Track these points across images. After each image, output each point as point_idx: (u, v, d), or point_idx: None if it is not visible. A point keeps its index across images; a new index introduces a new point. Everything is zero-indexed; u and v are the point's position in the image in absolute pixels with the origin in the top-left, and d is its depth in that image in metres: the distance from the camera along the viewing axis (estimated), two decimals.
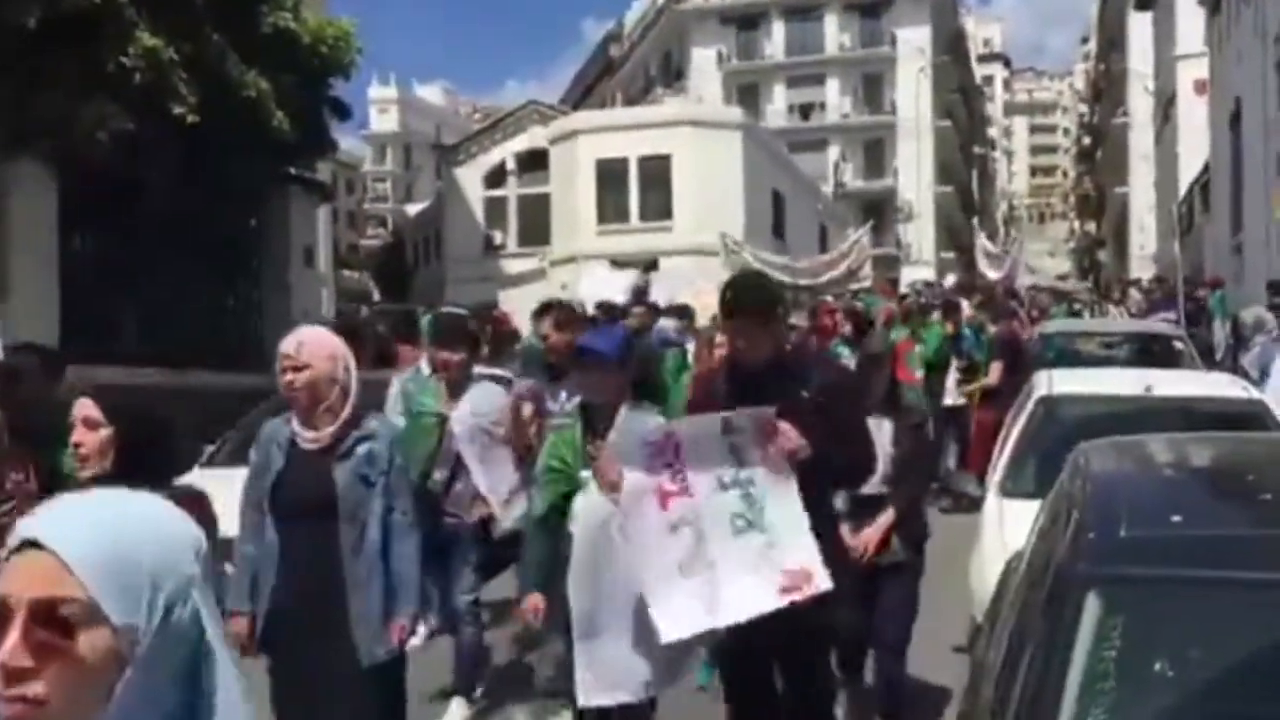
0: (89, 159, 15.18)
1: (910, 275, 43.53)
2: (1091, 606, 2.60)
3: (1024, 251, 23.24)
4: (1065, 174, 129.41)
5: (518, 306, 26.26)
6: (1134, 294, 22.12)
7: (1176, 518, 3.00)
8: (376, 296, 46.11)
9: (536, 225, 38.65)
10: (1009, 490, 6.76)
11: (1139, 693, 2.47)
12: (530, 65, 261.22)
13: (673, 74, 56.15)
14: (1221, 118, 30.37)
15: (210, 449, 9.06)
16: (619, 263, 31.84)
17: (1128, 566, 2.72)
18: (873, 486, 5.35)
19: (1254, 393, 7.71)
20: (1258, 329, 11.82)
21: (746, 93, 54.14)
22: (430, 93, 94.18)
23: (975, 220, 45.02)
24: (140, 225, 17.80)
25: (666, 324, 11.92)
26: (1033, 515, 6.22)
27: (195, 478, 8.40)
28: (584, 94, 64.92)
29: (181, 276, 18.45)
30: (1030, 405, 7.39)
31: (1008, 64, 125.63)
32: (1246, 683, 2.55)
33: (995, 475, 6.97)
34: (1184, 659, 2.53)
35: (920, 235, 55.25)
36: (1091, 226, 74.11)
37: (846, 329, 11.39)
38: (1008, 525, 6.27)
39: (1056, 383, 7.67)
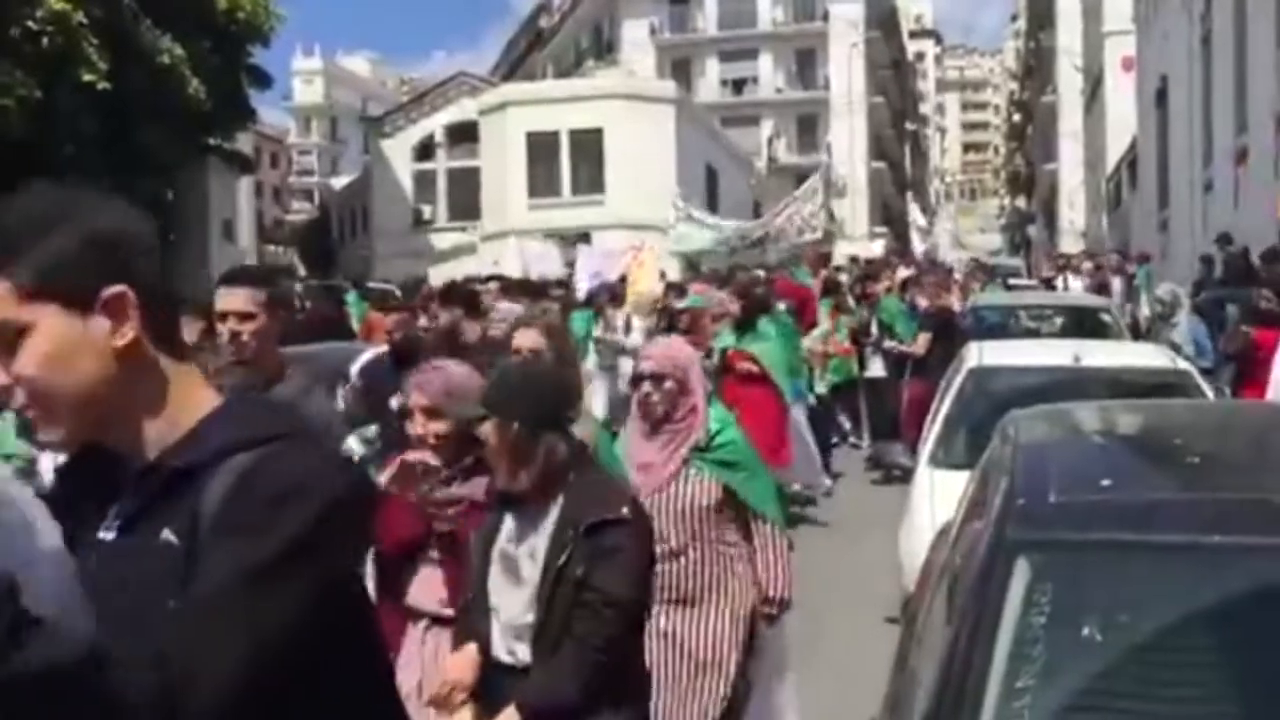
0: None
1: (844, 250, 43.62)
2: (1021, 572, 2.49)
3: (952, 223, 23.15)
4: (996, 150, 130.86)
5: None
6: (1087, 266, 22.15)
7: (1105, 482, 2.88)
8: (302, 272, 45.36)
9: (467, 199, 38.30)
10: (939, 461, 6.75)
11: (1068, 658, 2.38)
12: (458, 37, 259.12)
13: (604, 47, 55.74)
14: (1148, 95, 30.67)
15: None
16: (551, 237, 31.65)
17: (1057, 531, 2.61)
18: None
19: (1180, 362, 7.71)
20: (1176, 304, 11.96)
21: (679, 67, 53.90)
22: (355, 64, 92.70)
23: (909, 195, 45.32)
24: None
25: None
26: (963, 486, 6.30)
27: None
28: (514, 66, 64.29)
29: None
30: (960, 377, 7.35)
31: (939, 40, 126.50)
32: (1174, 648, 2.48)
33: (926, 446, 6.90)
34: (1113, 624, 2.43)
35: (854, 210, 55.47)
36: (1022, 202, 74.98)
37: (734, 308, 9.83)
38: (938, 496, 6.24)
39: (986, 354, 7.68)
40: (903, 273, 17.49)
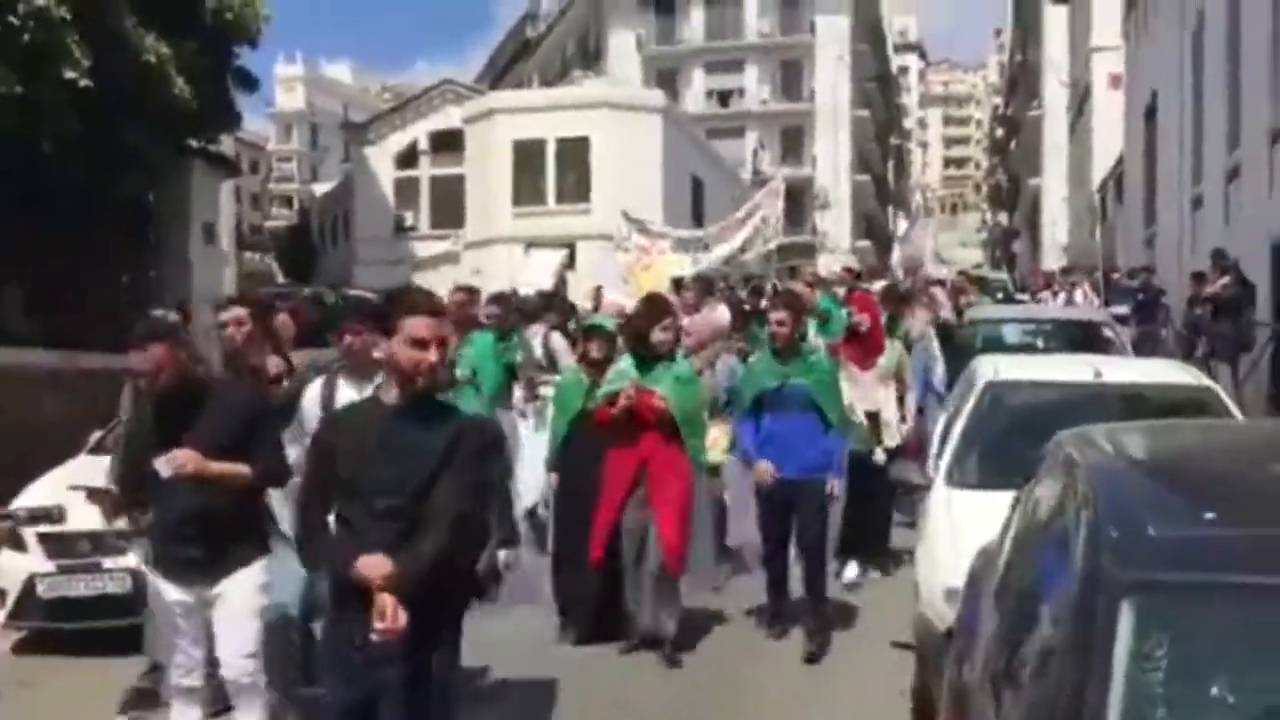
0: None
1: (826, 264, 43.44)
2: (1128, 618, 2.19)
3: (929, 234, 22.44)
4: (978, 166, 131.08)
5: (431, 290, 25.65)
6: (1095, 278, 21.56)
7: (1208, 515, 2.58)
8: (281, 279, 44.89)
9: (450, 207, 37.90)
10: (957, 480, 6.43)
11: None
12: (440, 47, 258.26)
13: (590, 57, 55.49)
14: (1137, 110, 30.55)
15: (98, 434, 8.41)
16: (536, 246, 31.32)
17: (1168, 572, 2.31)
18: None
19: (1204, 379, 7.44)
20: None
21: (665, 78, 53.63)
22: (338, 71, 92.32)
23: (890, 209, 45.13)
24: (30, 195, 16.73)
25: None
26: (985, 506, 5.95)
27: (82, 464, 7.89)
28: (499, 76, 63.93)
29: (73, 251, 17.37)
30: (976, 392, 7.05)
31: (923, 55, 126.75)
32: None
33: (941, 464, 6.59)
34: (1247, 682, 2.11)
35: (837, 224, 55.36)
36: (1003, 218, 75.01)
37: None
38: (959, 517, 5.95)
39: (1002, 368, 7.34)
40: (879, 285, 16.94)
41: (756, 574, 7.77)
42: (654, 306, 7.24)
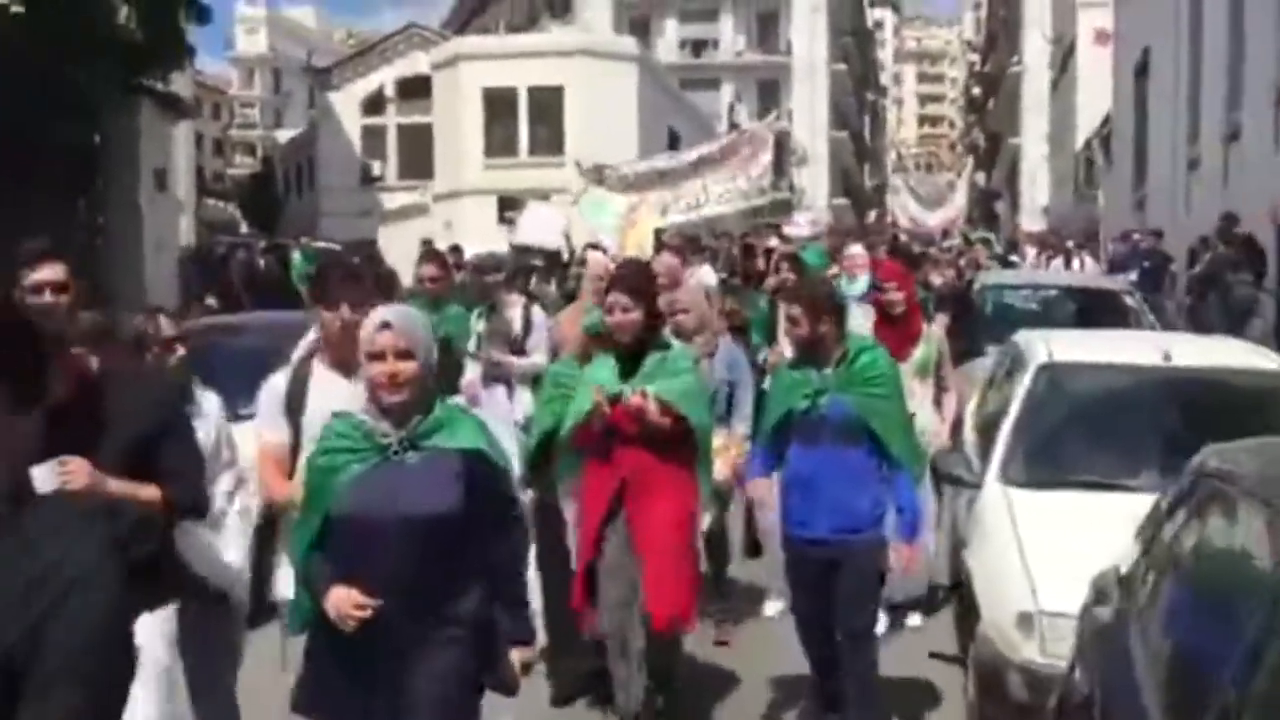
0: None
1: (802, 221, 42.57)
2: None
3: (914, 198, 21.53)
4: (952, 125, 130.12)
5: (397, 243, 24.55)
6: (1111, 246, 20.34)
7: None
8: (244, 229, 43.56)
9: (418, 157, 36.77)
10: (1013, 478, 5.57)
11: None
12: None
13: (560, 5, 54.04)
14: (1126, 67, 29.81)
15: None
16: (507, 200, 30.23)
17: None
18: None
19: None
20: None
21: (637, 26, 52.34)
22: (301, 14, 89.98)
23: (866, 167, 44.23)
24: None
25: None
26: (1052, 510, 5.15)
27: None
28: (466, 22, 62.30)
29: (10, 198, 15.90)
30: (1028, 376, 6.13)
31: (896, 9, 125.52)
32: None
33: (992, 459, 5.72)
34: None
35: (814, 180, 54.38)
36: (980, 177, 74.26)
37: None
38: (1023, 522, 5.14)
39: (1056, 348, 6.40)
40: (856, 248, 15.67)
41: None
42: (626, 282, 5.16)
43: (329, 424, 3.44)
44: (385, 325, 3.31)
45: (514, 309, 7.81)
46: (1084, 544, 4.52)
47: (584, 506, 5.13)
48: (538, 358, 7.26)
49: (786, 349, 6.38)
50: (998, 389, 6.84)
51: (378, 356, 3.29)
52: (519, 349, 7.55)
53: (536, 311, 7.84)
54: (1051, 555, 4.77)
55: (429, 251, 9.06)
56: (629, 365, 5.01)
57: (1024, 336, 6.91)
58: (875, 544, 4.86)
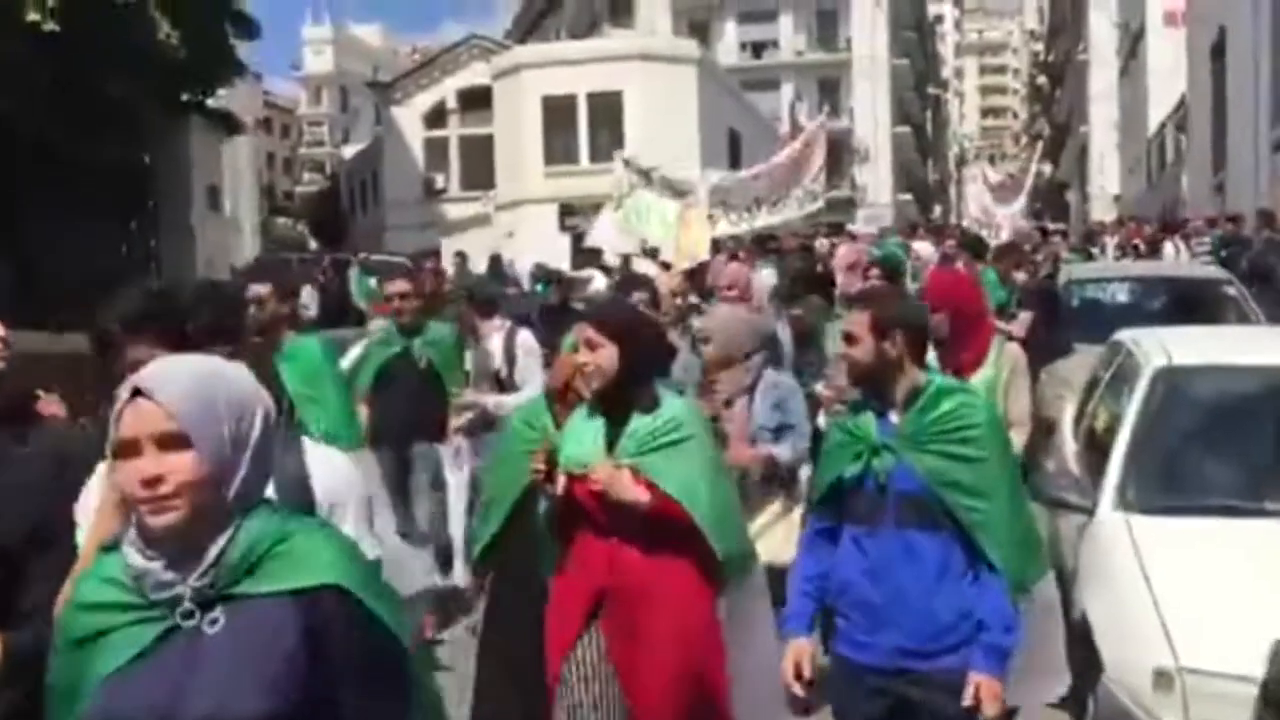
0: None
1: (865, 218, 42.09)
2: None
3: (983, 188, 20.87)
4: (1015, 115, 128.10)
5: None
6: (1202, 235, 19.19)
7: None
8: (313, 245, 43.80)
9: (480, 167, 36.67)
10: (1134, 503, 4.82)
11: None
12: (467, 7, 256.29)
13: (620, 9, 53.82)
14: (1201, 48, 28.99)
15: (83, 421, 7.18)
16: (568, 207, 29.96)
17: None
18: None
19: None
20: None
21: (696, 29, 52.00)
22: (367, 33, 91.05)
23: (929, 162, 43.38)
24: (5, 160, 14.89)
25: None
26: (1180, 538, 4.55)
27: None
28: (527, 32, 62.36)
29: (62, 220, 15.36)
30: (1144, 382, 5.34)
31: (957, 2, 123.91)
32: None
33: (1107, 482, 4.97)
34: None
35: (876, 177, 53.62)
36: (1046, 167, 72.93)
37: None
38: (1148, 556, 4.45)
39: (1175, 349, 5.57)
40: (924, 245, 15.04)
41: None
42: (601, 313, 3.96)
43: (86, 569, 2.04)
44: (136, 394, 1.88)
45: (494, 338, 6.83)
46: (1224, 582, 4.03)
47: (549, 627, 3.72)
48: (530, 390, 6.14)
49: (842, 379, 4.68)
50: (1103, 397, 6.08)
51: (128, 449, 1.86)
52: (505, 384, 6.62)
53: (523, 337, 6.84)
54: (1189, 597, 4.13)
55: (406, 269, 8.32)
56: (617, 429, 3.64)
57: (1131, 335, 6.17)
58: (956, 677, 3.28)
